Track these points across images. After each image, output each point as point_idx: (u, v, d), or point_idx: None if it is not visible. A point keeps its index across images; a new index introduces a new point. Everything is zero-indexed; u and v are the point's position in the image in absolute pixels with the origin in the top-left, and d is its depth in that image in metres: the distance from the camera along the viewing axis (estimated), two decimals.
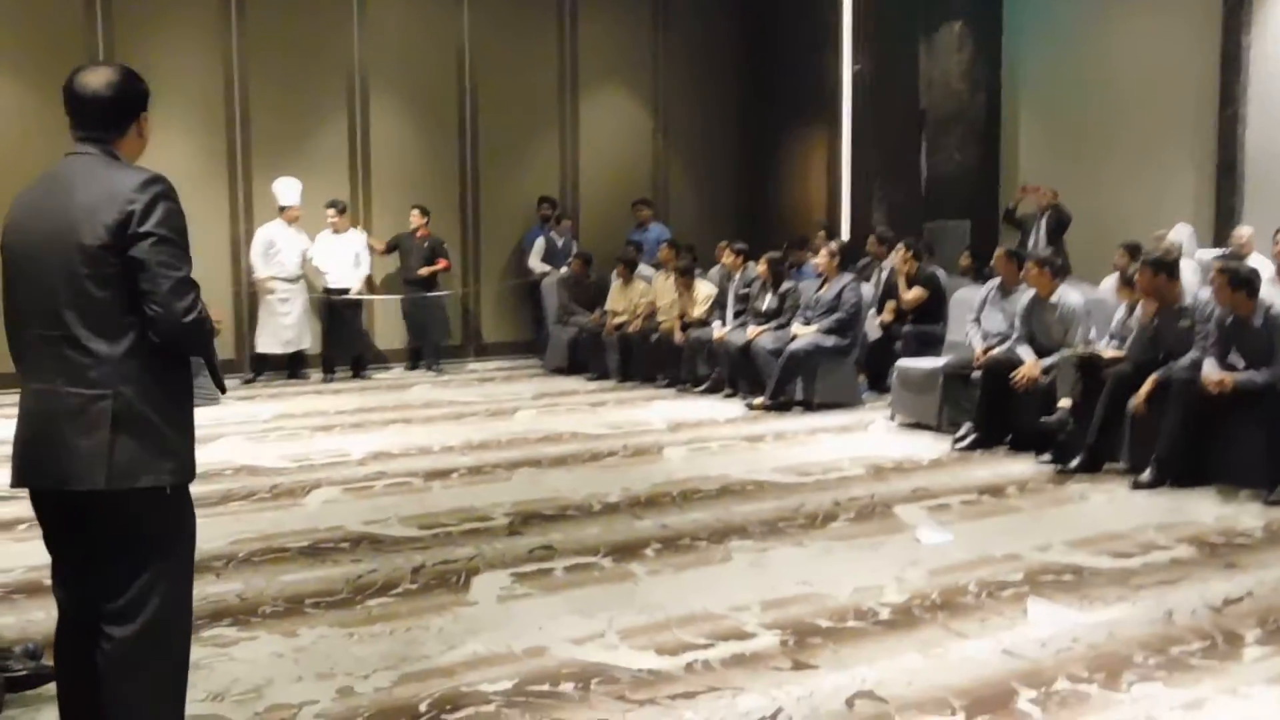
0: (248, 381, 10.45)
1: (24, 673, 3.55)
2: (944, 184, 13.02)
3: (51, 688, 3.55)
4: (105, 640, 2.69)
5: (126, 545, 2.69)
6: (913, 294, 9.12)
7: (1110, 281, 7.99)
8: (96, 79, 2.74)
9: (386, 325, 11.53)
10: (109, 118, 2.75)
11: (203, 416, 8.40)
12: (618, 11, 12.50)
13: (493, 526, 5.47)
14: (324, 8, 10.94)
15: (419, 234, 11.13)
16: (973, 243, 11.07)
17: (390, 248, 11.19)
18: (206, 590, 4.57)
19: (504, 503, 5.89)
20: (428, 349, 11.31)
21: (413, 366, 11.41)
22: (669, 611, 4.23)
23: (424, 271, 11.11)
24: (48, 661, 3.67)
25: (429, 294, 11.15)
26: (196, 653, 3.87)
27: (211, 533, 5.35)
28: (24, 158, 9.79)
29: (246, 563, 4.95)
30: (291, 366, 10.60)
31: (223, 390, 3.51)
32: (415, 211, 11.11)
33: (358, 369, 10.84)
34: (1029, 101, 12.58)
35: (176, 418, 2.74)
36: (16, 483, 2.74)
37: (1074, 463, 6.50)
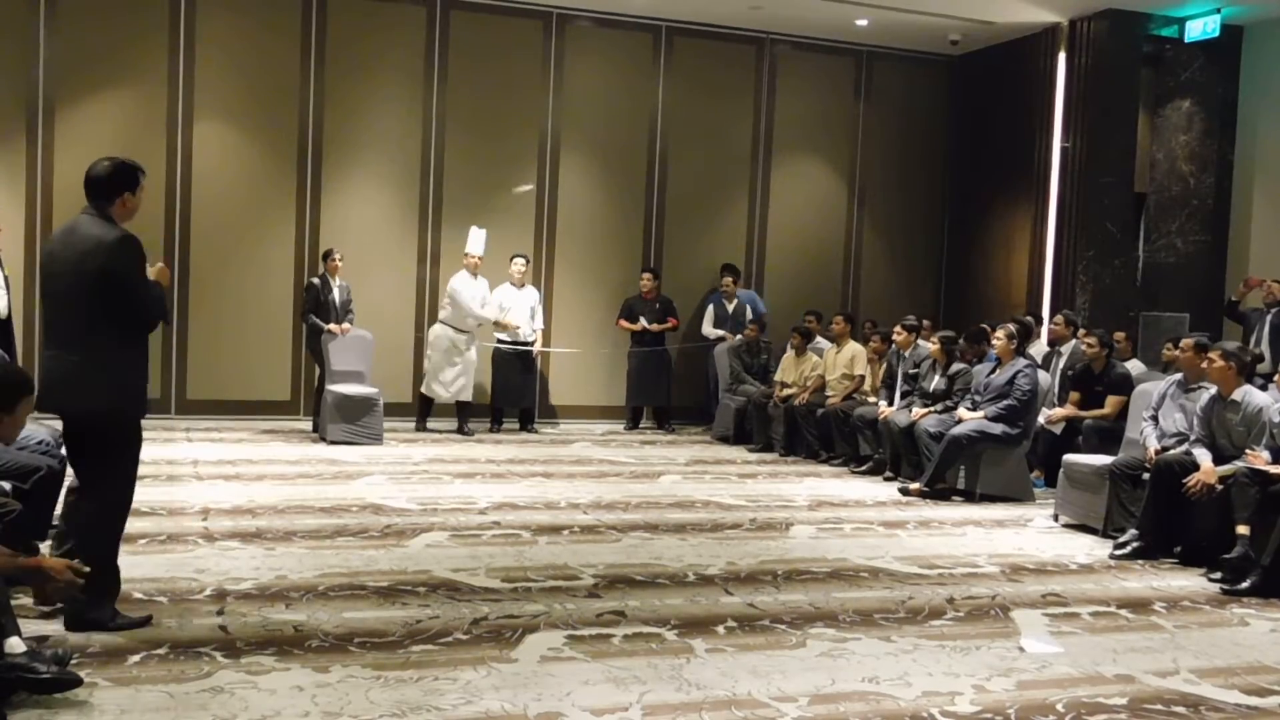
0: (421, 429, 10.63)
1: (48, 676, 3.61)
2: (1163, 272, 12.09)
3: (75, 693, 3.62)
4: None
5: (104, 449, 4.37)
6: (1110, 403, 8.22)
7: None
8: (99, 168, 4.35)
9: (564, 380, 11.63)
10: (103, 192, 4.36)
11: (358, 454, 8.78)
12: (817, 81, 12.29)
13: (575, 586, 5.30)
14: (522, 68, 11.24)
15: (647, 295, 11.33)
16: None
17: (630, 317, 11.35)
18: (270, 617, 4.61)
19: (599, 564, 5.73)
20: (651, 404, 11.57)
21: (633, 426, 11.51)
22: (709, 693, 3.94)
23: (654, 327, 11.30)
24: (73, 669, 3.75)
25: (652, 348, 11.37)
26: (225, 677, 3.90)
27: (306, 564, 5.43)
28: (235, 192, 10.53)
29: (322, 596, 4.96)
30: (459, 415, 10.67)
31: (168, 321, 4.30)
32: (646, 275, 11.37)
33: (525, 422, 10.91)
34: (1265, 185, 11.56)
35: (136, 371, 4.41)
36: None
37: (1245, 584, 5.75)
